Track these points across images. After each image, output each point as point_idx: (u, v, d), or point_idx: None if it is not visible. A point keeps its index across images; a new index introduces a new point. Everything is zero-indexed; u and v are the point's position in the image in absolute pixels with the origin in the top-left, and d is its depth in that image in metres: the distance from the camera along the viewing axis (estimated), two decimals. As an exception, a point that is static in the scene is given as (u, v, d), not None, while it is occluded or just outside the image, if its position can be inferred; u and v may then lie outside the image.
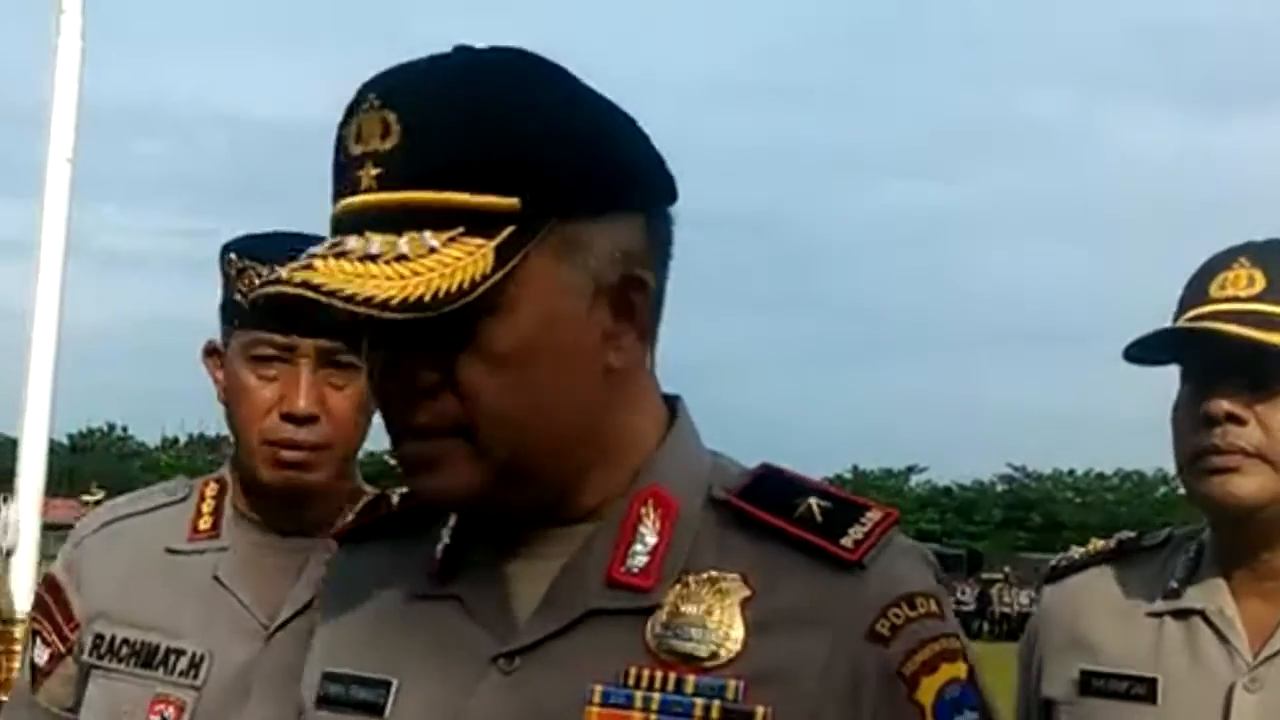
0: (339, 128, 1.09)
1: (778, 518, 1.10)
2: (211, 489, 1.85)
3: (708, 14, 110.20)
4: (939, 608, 1.10)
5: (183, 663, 1.72)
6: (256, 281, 1.71)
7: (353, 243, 1.04)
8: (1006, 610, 35.57)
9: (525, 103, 1.06)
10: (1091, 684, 1.71)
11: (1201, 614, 1.69)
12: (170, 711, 1.70)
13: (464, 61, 1.08)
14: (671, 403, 1.18)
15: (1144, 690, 1.67)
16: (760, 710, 1.04)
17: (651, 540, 1.10)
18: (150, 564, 1.79)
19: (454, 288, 1.01)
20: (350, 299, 1.00)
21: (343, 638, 1.20)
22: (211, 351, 1.84)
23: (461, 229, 1.03)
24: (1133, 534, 1.84)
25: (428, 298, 1.00)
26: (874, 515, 1.10)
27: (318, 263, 1.03)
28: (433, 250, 1.02)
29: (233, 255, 1.78)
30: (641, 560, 1.09)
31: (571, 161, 1.07)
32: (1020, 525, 58.15)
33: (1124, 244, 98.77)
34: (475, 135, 1.04)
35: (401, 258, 1.02)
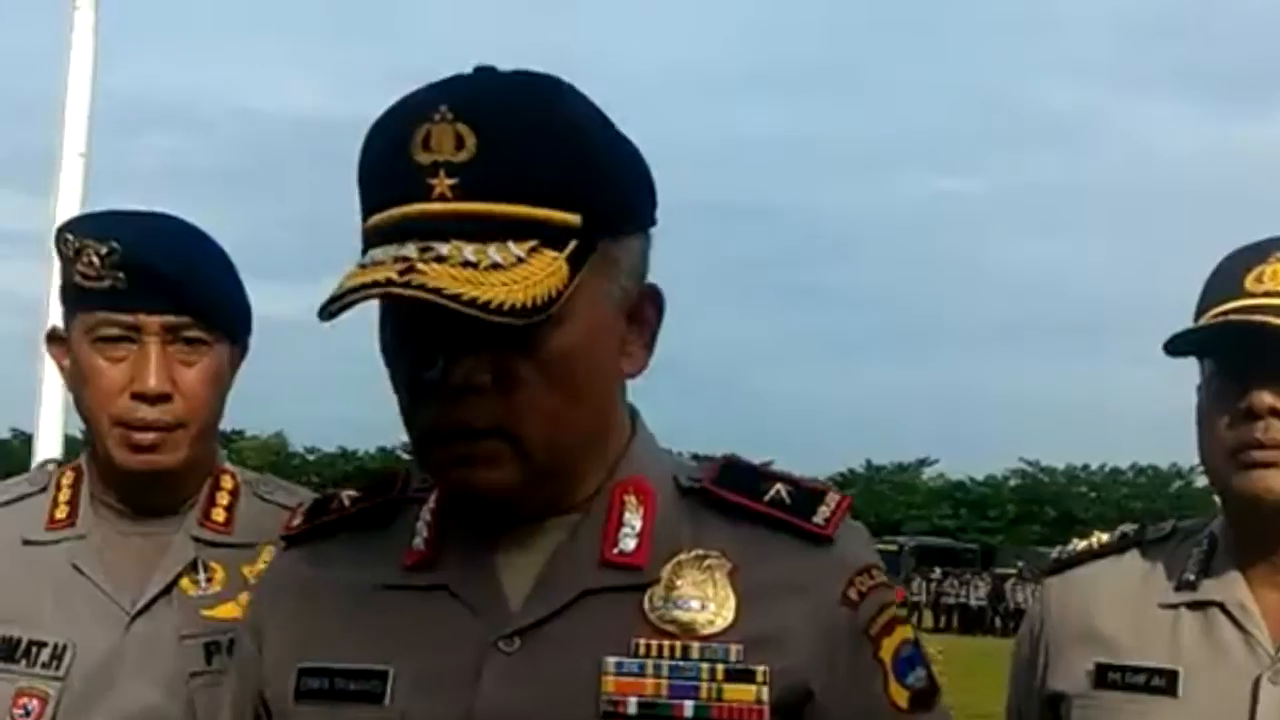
0: (389, 131, 1.14)
1: (752, 501, 1.22)
2: (68, 477, 1.80)
3: (726, 3, 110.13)
4: (886, 579, 1.25)
5: (44, 654, 1.68)
6: (95, 259, 1.67)
7: (445, 249, 1.10)
8: (1020, 605, 35.48)
9: (584, 126, 1.16)
10: (1108, 676, 1.69)
11: (1220, 606, 1.68)
12: (34, 704, 1.66)
13: (521, 82, 1.16)
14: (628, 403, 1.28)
15: (1164, 682, 1.66)
16: (760, 670, 1.15)
17: (637, 524, 1.19)
18: (8, 557, 1.75)
19: (546, 296, 1.09)
20: (470, 302, 1.07)
21: (313, 633, 1.24)
22: (55, 338, 1.78)
23: (536, 241, 1.11)
24: (1135, 526, 1.83)
25: (529, 304, 1.08)
26: (834, 498, 1.24)
27: (421, 266, 1.09)
28: (520, 260, 1.10)
29: (69, 236, 1.70)
30: (631, 542, 1.19)
31: (620, 183, 1.17)
32: (1034, 520, 58.05)
33: (1142, 236, 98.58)
34: (546, 153, 1.12)
35: (496, 266, 1.09)
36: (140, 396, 1.68)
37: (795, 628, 1.17)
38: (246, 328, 1.80)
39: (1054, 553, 1.89)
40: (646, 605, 1.17)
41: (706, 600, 1.17)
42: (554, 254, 1.11)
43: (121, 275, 1.66)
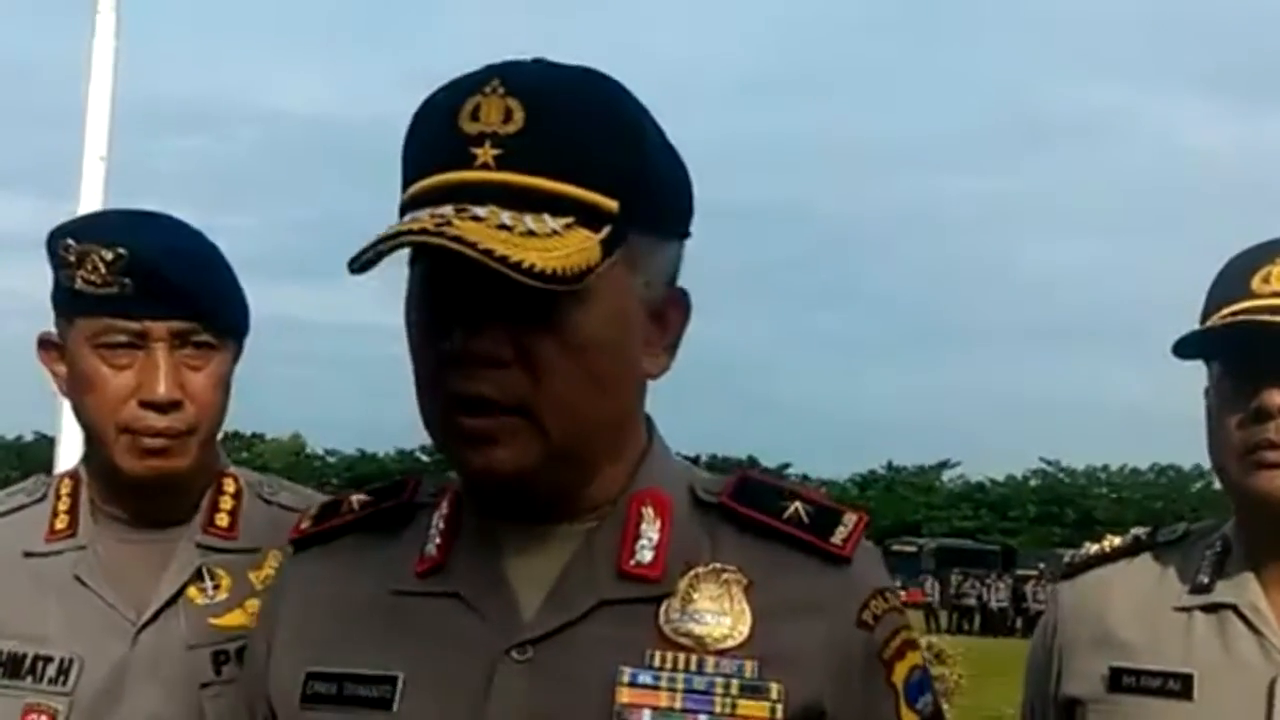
0: (439, 103, 1.14)
1: (770, 517, 1.21)
2: (66, 486, 1.76)
3: (743, 1, 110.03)
4: (900, 602, 1.24)
5: (51, 669, 1.64)
6: (100, 265, 1.62)
7: (483, 211, 1.09)
8: (1041, 607, 35.31)
9: (632, 120, 1.17)
10: (1122, 681, 1.69)
11: (1233, 608, 1.67)
12: None
13: (576, 71, 1.16)
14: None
15: (1179, 686, 1.65)
16: (775, 687, 1.14)
17: (654, 536, 1.18)
18: (9, 570, 1.70)
19: (579, 268, 1.08)
20: (502, 260, 1.06)
21: (321, 637, 1.23)
22: (47, 344, 1.73)
23: (573, 219, 1.11)
24: (1147, 530, 1.83)
25: (561, 271, 1.07)
26: (852, 518, 1.23)
27: (457, 221, 1.08)
28: (555, 233, 1.09)
29: (70, 241, 1.64)
30: (648, 554, 1.18)
31: (660, 181, 1.17)
32: (1055, 521, 57.83)
33: (1168, 235, 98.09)
34: (593, 137, 1.13)
35: (530, 233, 1.08)
36: (150, 404, 1.65)
37: (811, 647, 1.16)
38: (246, 328, 1.77)
39: (1066, 557, 1.88)
40: (661, 617, 1.15)
41: (722, 614, 1.15)
42: (589, 233, 1.10)
43: (129, 281, 1.62)
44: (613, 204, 1.12)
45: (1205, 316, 1.69)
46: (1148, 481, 61.85)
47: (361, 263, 1.09)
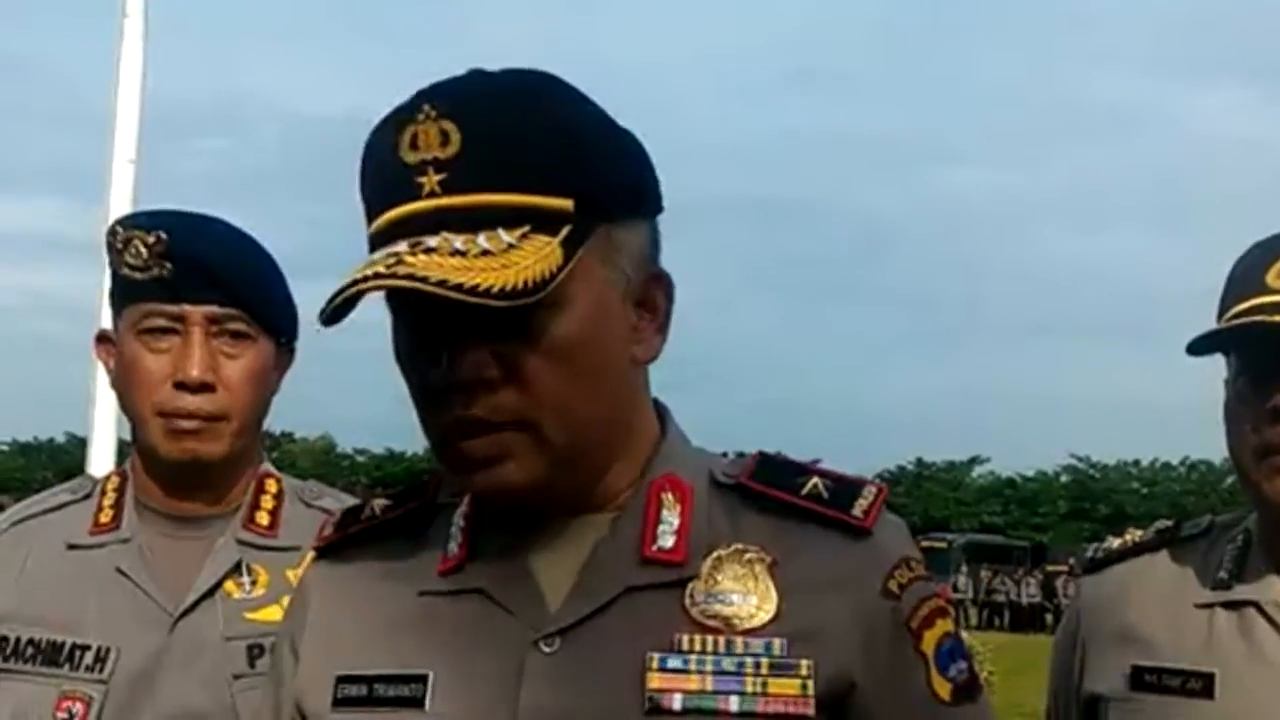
0: (380, 137, 1.15)
1: (789, 494, 1.22)
2: (113, 482, 1.82)
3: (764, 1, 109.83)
4: (927, 571, 1.24)
5: (88, 658, 1.68)
6: (142, 250, 1.68)
7: (434, 241, 1.10)
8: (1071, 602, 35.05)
9: (570, 113, 1.16)
10: (1144, 679, 1.67)
11: (1256, 605, 1.66)
12: (77, 708, 1.66)
13: (506, 78, 1.16)
14: (656, 400, 1.27)
15: (1200, 685, 1.63)
16: (804, 663, 1.15)
17: (675, 521, 1.19)
18: (52, 561, 1.75)
19: (539, 278, 1.09)
20: (457, 287, 1.06)
21: (348, 641, 1.24)
22: (103, 339, 1.80)
23: (528, 227, 1.11)
24: (1170, 523, 1.81)
25: (520, 286, 1.07)
26: (872, 489, 1.24)
27: (409, 258, 1.09)
28: (511, 246, 1.10)
29: (119, 228, 1.73)
30: (670, 539, 1.19)
31: (612, 170, 1.16)
32: (1085, 517, 57.47)
33: (1191, 229, 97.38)
34: (532, 142, 1.12)
35: (486, 253, 1.09)
36: (183, 385, 1.70)
37: (837, 620, 1.17)
38: (292, 330, 1.81)
39: (1089, 551, 1.86)
40: (688, 600, 1.16)
41: (748, 594, 1.16)
42: (546, 238, 1.10)
43: (169, 265, 1.68)
44: (566, 203, 1.12)
45: (1222, 310, 1.66)
46: (1179, 476, 61.31)
47: (328, 314, 1.11)
